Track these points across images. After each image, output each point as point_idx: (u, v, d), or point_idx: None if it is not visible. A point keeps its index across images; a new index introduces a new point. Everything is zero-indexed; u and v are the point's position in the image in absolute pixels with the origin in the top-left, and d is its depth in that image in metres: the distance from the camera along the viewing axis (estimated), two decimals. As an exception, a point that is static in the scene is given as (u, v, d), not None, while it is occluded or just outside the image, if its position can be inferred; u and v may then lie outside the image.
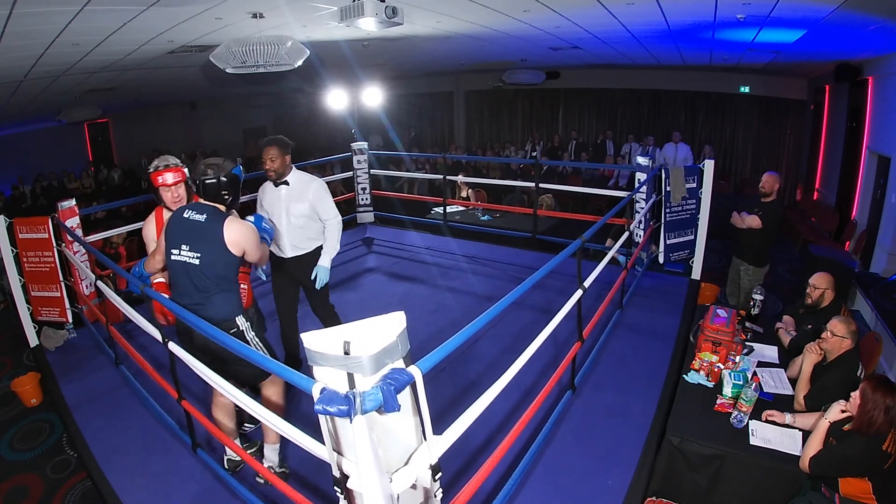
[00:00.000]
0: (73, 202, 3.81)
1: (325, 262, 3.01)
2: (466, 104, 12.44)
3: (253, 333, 2.27)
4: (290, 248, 3.02)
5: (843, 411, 2.12)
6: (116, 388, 3.21)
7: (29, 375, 3.73)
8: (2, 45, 3.73)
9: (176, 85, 8.56)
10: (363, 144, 5.74)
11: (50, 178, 10.33)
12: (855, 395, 2.07)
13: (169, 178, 2.44)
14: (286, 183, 2.94)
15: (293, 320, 3.20)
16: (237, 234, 2.14)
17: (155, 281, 2.51)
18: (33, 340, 3.76)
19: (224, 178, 2.17)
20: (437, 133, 12.95)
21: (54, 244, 3.66)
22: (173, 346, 2.22)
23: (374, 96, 6.07)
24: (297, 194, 2.94)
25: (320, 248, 3.06)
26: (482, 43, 6.21)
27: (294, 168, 2.97)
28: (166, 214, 2.48)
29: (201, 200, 2.20)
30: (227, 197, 2.21)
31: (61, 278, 3.72)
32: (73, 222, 3.72)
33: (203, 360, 2.00)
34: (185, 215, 2.16)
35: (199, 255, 2.12)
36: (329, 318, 3.21)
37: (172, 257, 2.17)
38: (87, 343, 3.77)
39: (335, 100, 5.80)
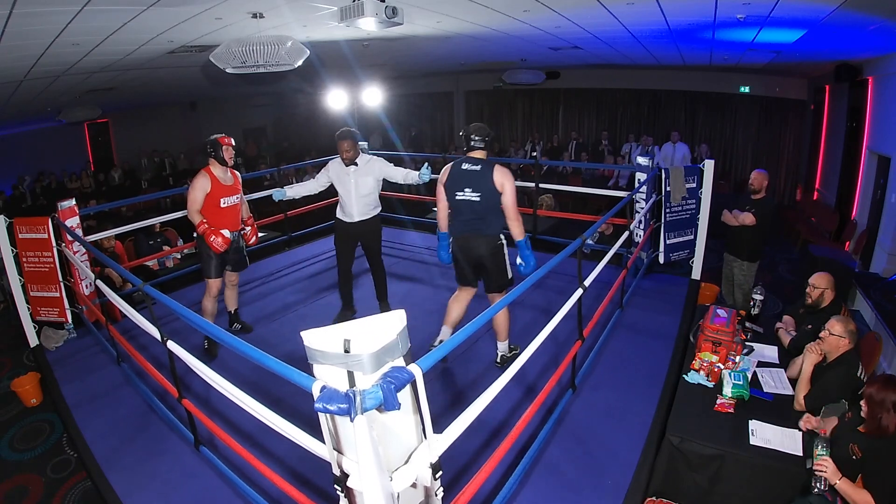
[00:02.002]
0: (73, 202, 3.81)
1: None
2: (466, 104, 12.44)
3: (506, 251, 3.10)
4: (358, 214, 3.69)
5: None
6: (116, 387, 3.21)
7: (29, 375, 3.73)
8: (2, 45, 3.73)
9: (176, 85, 8.56)
10: (363, 144, 5.73)
11: (50, 179, 10.33)
12: (864, 403, 2.02)
13: (232, 140, 3.42)
14: (356, 164, 3.61)
15: (350, 276, 3.93)
16: (501, 177, 2.91)
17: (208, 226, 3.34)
18: (33, 340, 3.76)
19: (489, 136, 3.01)
20: (437, 133, 12.94)
21: (54, 244, 3.66)
22: (172, 345, 2.22)
23: (374, 96, 6.08)
24: (364, 171, 3.64)
25: (379, 214, 3.83)
26: (482, 43, 6.21)
27: (360, 152, 3.65)
28: (217, 171, 3.38)
29: (473, 154, 2.98)
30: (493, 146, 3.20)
31: (60, 278, 3.72)
32: (72, 222, 3.72)
33: (469, 264, 3.11)
34: (464, 167, 2.97)
35: (479, 193, 2.92)
36: (382, 271, 3.97)
37: (457, 197, 2.99)
38: (87, 343, 3.77)
39: (335, 100, 5.80)
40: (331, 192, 3.81)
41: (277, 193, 3.71)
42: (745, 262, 4.22)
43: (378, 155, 4.05)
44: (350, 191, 3.63)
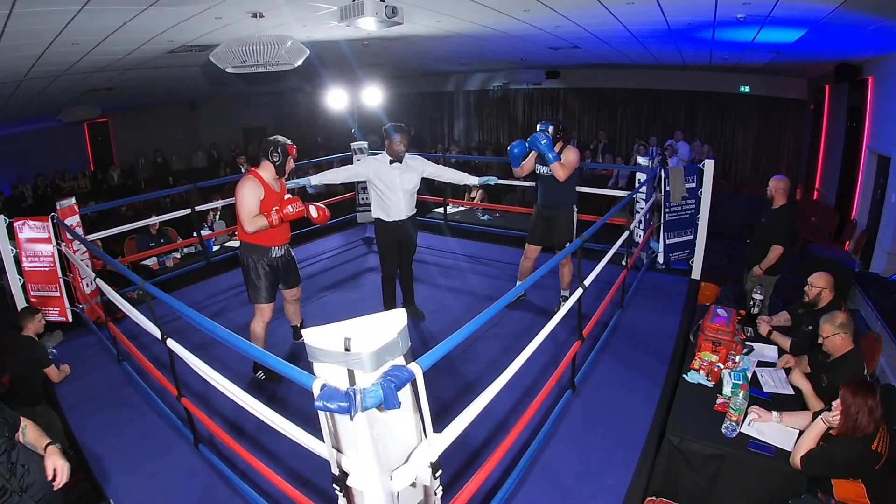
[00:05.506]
0: (73, 200, 3.81)
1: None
2: (466, 104, 12.44)
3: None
4: (406, 212, 3.61)
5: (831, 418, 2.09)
6: (116, 387, 3.21)
7: (29, 375, 3.72)
8: (2, 45, 3.73)
9: (176, 85, 8.56)
10: (363, 144, 5.74)
11: (48, 179, 10.32)
12: (836, 403, 2.05)
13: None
14: (400, 161, 3.53)
15: (394, 279, 3.84)
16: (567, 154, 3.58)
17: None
18: (33, 340, 3.75)
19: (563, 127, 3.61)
20: (437, 133, 12.94)
21: (54, 243, 3.66)
22: (172, 344, 2.22)
23: (373, 96, 6.08)
24: (409, 168, 3.57)
25: (416, 214, 3.73)
26: (482, 43, 6.21)
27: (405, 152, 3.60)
28: (266, 176, 2.94)
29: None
30: None
31: (61, 277, 3.72)
32: (72, 221, 3.72)
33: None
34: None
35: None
36: (412, 273, 3.93)
37: (537, 171, 3.68)
38: (88, 342, 3.77)
39: (335, 99, 5.80)
40: (348, 185, 3.65)
41: (305, 181, 3.55)
42: (766, 276, 4.11)
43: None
44: (396, 188, 3.51)
